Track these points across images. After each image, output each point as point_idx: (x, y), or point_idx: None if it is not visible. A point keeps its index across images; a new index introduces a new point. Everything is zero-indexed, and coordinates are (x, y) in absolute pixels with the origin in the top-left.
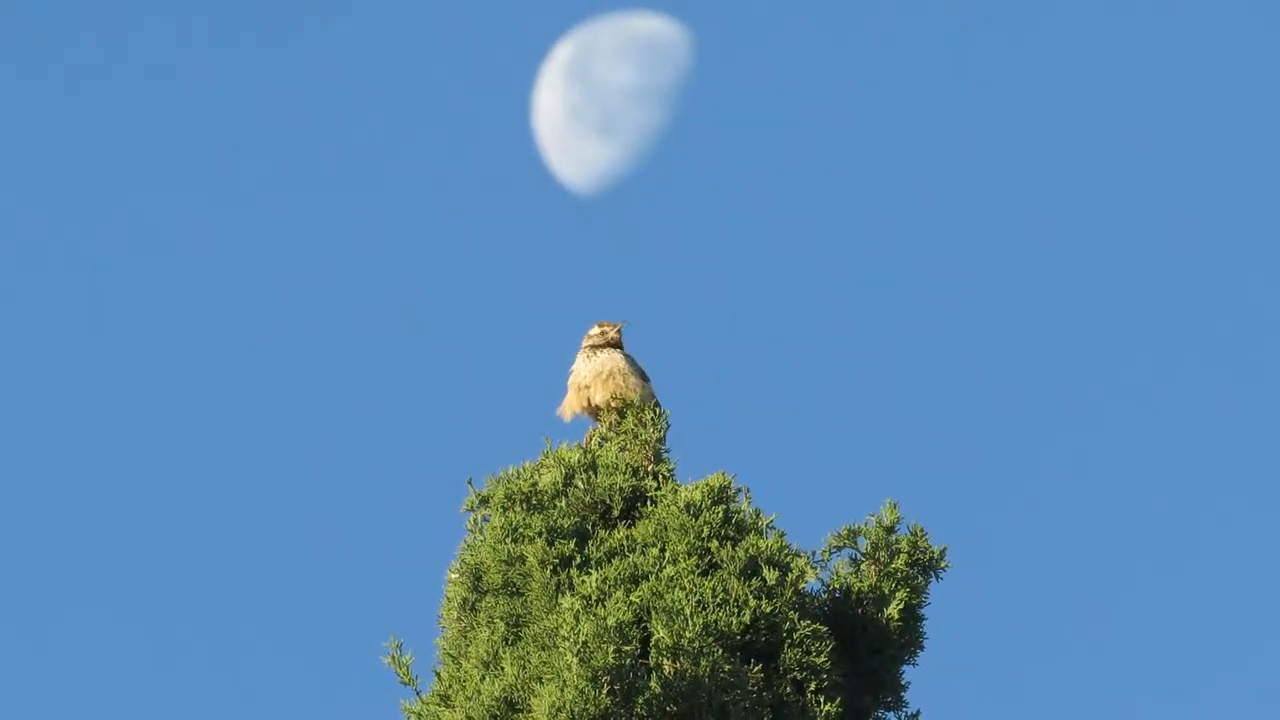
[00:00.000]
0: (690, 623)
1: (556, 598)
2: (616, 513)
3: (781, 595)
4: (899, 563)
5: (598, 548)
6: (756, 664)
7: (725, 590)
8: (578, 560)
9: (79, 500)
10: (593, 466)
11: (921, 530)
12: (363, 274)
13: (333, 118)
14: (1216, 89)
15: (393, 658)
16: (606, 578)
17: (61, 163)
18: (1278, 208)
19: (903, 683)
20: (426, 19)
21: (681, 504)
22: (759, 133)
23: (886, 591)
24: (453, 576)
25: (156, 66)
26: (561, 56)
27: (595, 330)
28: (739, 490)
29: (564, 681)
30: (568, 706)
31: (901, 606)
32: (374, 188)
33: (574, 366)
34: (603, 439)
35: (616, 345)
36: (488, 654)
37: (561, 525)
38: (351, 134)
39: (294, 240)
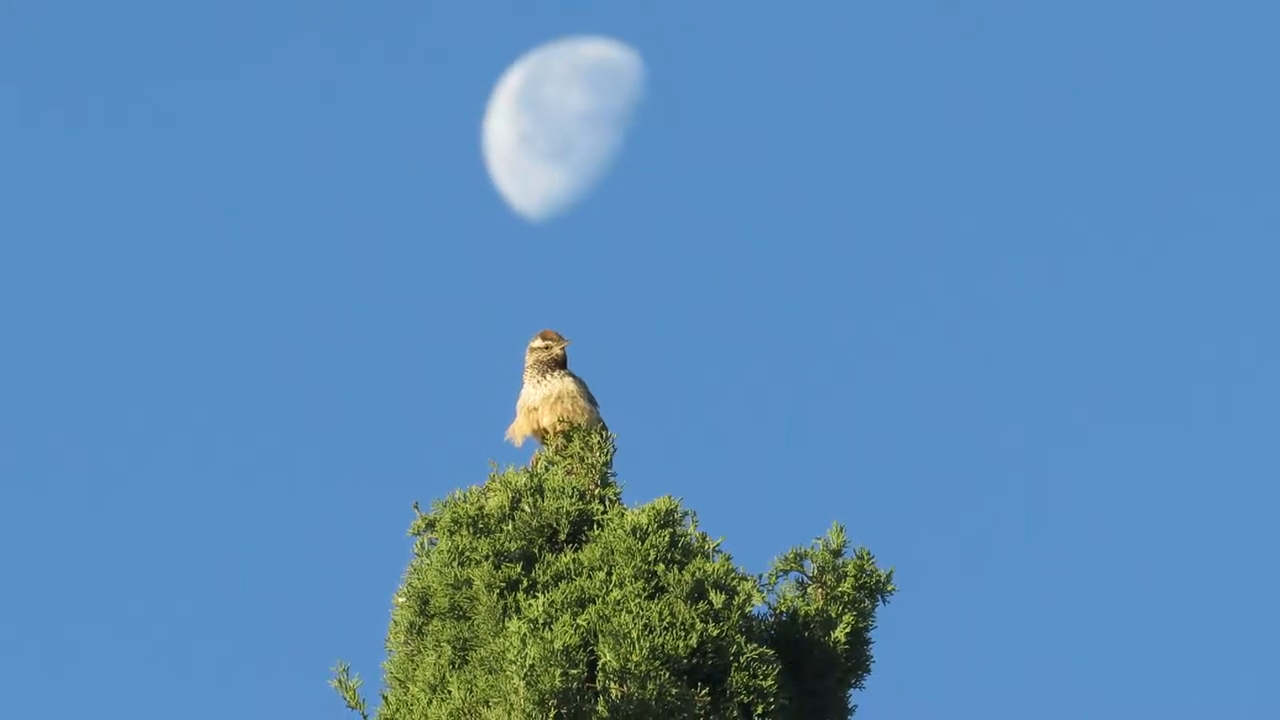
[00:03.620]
0: (637, 646)
1: (503, 621)
2: (563, 536)
3: (728, 619)
4: (845, 586)
5: (544, 571)
6: (703, 687)
7: (672, 614)
8: (524, 584)
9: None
10: (539, 490)
11: (868, 553)
12: (312, 300)
13: (281, 143)
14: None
15: (339, 681)
16: (553, 601)
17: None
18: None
19: (850, 706)
20: (377, 45)
21: (628, 527)
22: (711, 157)
23: (833, 615)
24: (399, 600)
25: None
26: (512, 83)
27: (539, 342)
28: (685, 514)
29: (511, 705)
30: None
31: (848, 630)
32: (322, 215)
33: (523, 390)
34: (549, 463)
35: (561, 364)
36: (435, 678)
37: (508, 549)
38: (300, 161)
39: (244, 267)
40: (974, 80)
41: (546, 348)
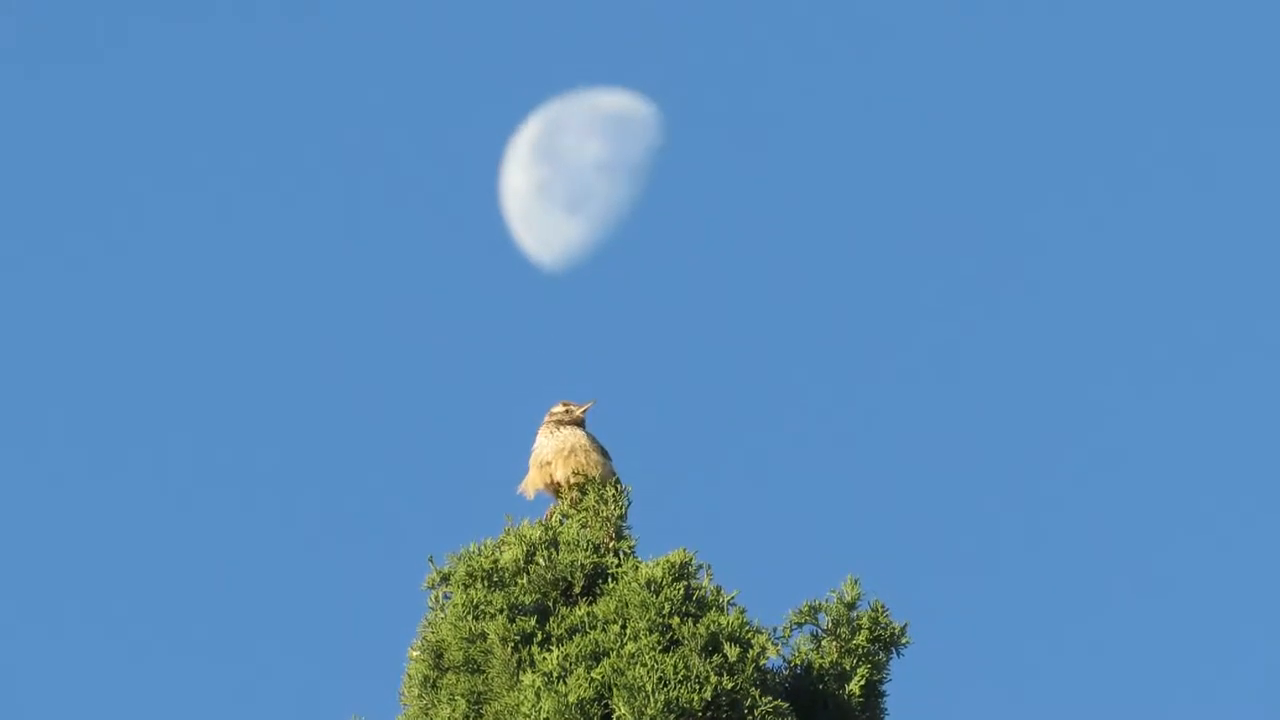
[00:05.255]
0: (651, 699)
1: (518, 675)
2: (578, 589)
3: (743, 672)
4: (860, 639)
5: (559, 624)
6: None
7: (686, 667)
8: (539, 637)
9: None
10: (554, 543)
11: (882, 606)
12: (326, 350)
13: (298, 190)
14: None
15: None
16: (568, 654)
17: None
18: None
19: None
20: (394, 95)
21: (642, 580)
22: (726, 208)
23: (848, 668)
24: (414, 654)
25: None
26: (529, 133)
27: (559, 408)
28: (700, 566)
29: None
30: None
31: (863, 683)
32: (338, 264)
33: (536, 444)
34: (564, 516)
35: (579, 423)
36: None
37: (523, 602)
38: (317, 210)
39: (260, 315)
40: (983, 123)
41: (567, 411)
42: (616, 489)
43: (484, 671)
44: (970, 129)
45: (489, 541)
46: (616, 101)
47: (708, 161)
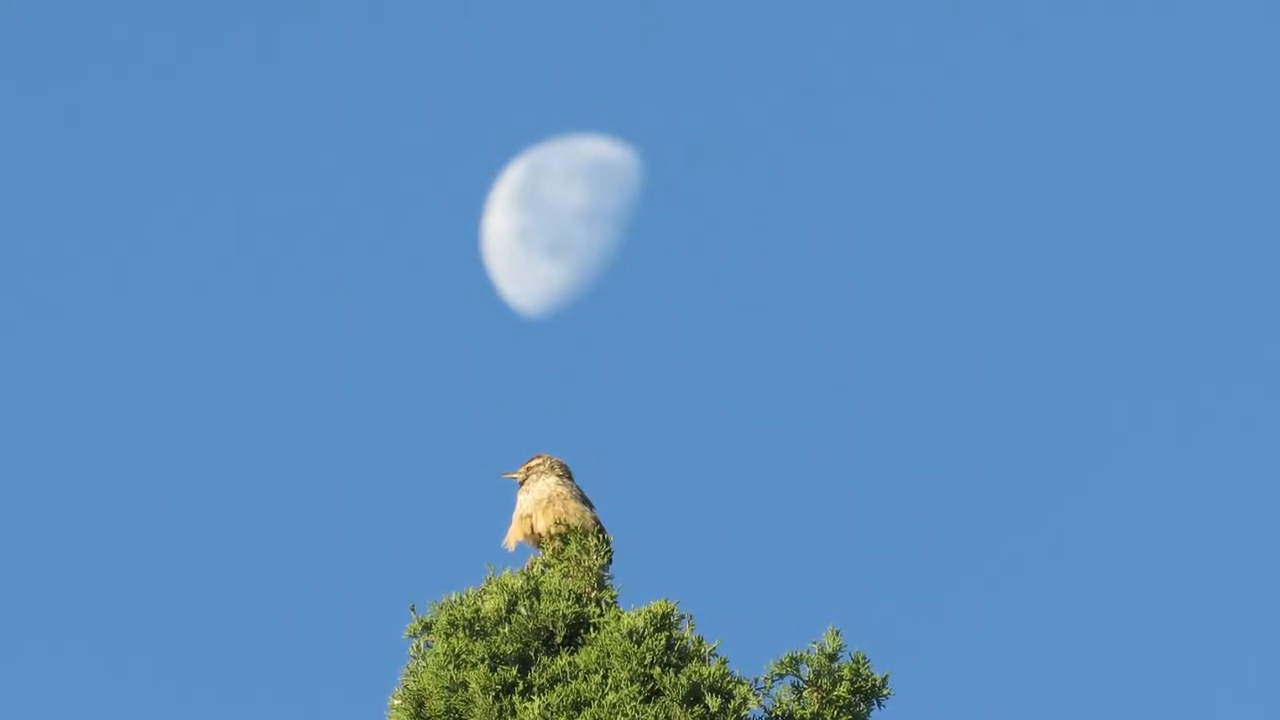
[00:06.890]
0: None
1: None
2: (559, 639)
3: None
4: (841, 690)
5: (540, 674)
6: None
7: (668, 717)
8: (520, 687)
9: None
10: (535, 593)
11: (864, 657)
12: (307, 397)
13: (284, 231)
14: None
15: None
16: (549, 704)
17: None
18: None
19: None
20: (376, 141)
21: (624, 630)
22: (708, 254)
23: (829, 718)
24: (395, 703)
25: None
26: (511, 179)
27: (536, 460)
28: (682, 617)
29: None
30: None
31: None
32: (319, 310)
33: (517, 499)
34: (545, 565)
35: (564, 475)
36: None
37: (504, 651)
38: (299, 249)
39: (242, 358)
40: (969, 163)
41: (543, 461)
42: (599, 539)
43: None
44: (957, 163)
45: (471, 590)
46: (598, 148)
47: (688, 208)
